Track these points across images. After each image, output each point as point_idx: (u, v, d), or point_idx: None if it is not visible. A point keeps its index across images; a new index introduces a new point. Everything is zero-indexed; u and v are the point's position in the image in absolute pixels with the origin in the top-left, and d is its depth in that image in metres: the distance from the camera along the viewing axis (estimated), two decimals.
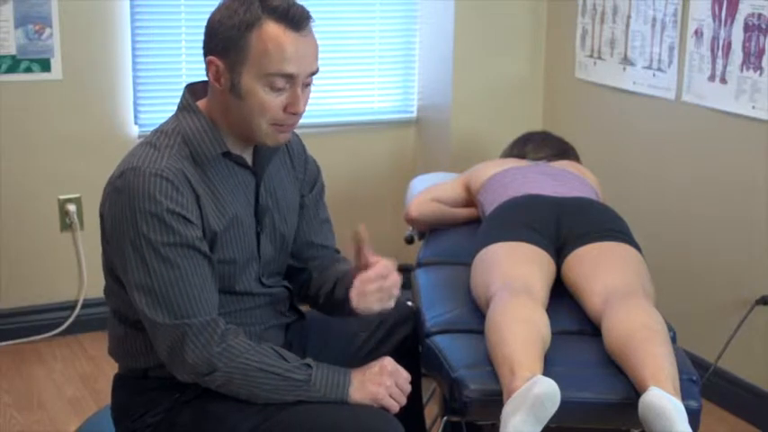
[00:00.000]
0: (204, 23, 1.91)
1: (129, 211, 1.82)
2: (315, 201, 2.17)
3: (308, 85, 1.90)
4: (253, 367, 1.85)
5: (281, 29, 1.82)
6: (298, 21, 1.84)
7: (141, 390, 1.98)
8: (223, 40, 1.84)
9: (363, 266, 1.99)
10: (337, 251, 2.24)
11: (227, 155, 1.92)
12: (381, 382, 1.92)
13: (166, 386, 1.96)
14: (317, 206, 2.18)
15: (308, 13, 1.87)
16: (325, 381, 1.89)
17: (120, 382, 2.06)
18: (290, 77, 1.85)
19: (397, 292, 2.02)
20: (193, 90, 1.96)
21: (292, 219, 2.10)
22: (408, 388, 1.98)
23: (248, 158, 1.98)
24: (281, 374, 1.87)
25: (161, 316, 1.83)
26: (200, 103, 1.94)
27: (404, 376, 1.97)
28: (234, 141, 1.94)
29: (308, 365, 1.90)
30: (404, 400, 1.96)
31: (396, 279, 2.01)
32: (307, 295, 2.19)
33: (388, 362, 1.96)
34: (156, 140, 1.90)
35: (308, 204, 2.15)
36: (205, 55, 1.89)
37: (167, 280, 1.82)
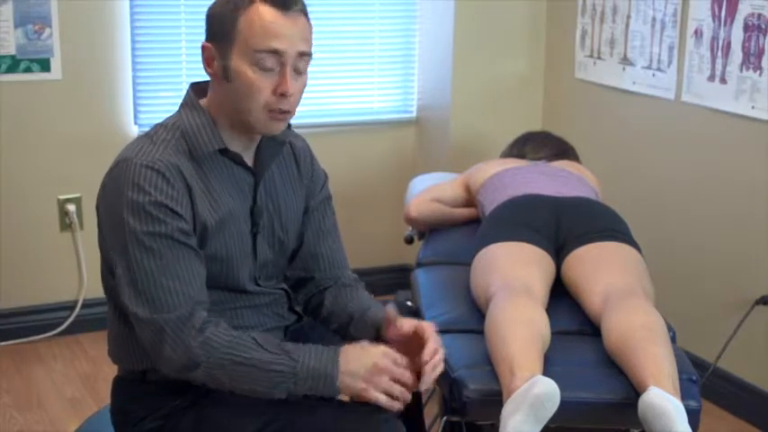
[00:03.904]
0: (204, 22, 1.93)
1: (117, 200, 1.83)
2: (320, 209, 2.14)
3: (300, 72, 1.90)
4: (231, 361, 1.82)
5: (268, 8, 1.85)
6: (286, 1, 1.86)
7: (140, 394, 1.98)
8: (214, 25, 1.88)
9: (393, 337, 1.96)
10: (346, 265, 2.19)
11: (224, 152, 1.93)
12: (373, 382, 1.84)
13: (166, 390, 1.95)
14: (322, 215, 2.15)
15: None
16: (313, 372, 1.82)
17: (119, 386, 2.05)
18: (276, 54, 1.85)
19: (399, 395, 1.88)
20: (197, 88, 1.98)
21: (293, 225, 2.08)
22: (408, 378, 1.87)
23: (249, 158, 1.98)
24: (261, 368, 1.82)
25: (141, 309, 1.82)
26: (203, 101, 1.95)
27: (401, 367, 1.86)
28: (234, 139, 1.94)
29: (294, 358, 1.83)
30: (408, 396, 1.88)
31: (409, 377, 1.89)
32: (315, 314, 2.15)
33: (381, 358, 1.85)
34: (153, 134, 1.92)
35: (313, 212, 2.13)
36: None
37: (148, 271, 1.81)
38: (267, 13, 1.85)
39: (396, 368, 1.87)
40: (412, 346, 1.94)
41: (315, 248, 2.14)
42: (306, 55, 1.89)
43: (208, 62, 1.90)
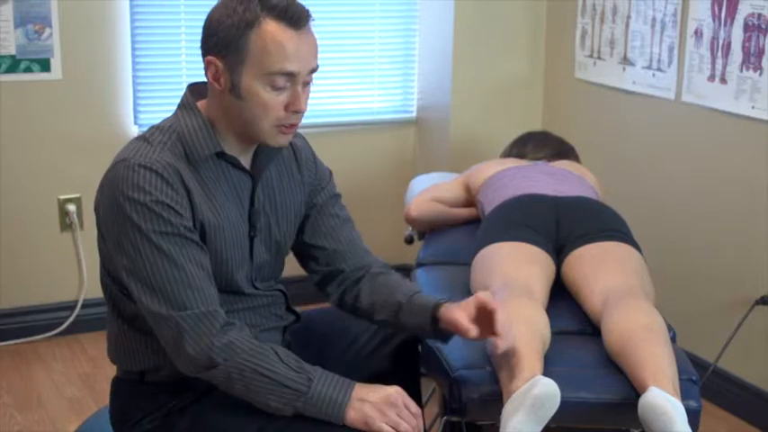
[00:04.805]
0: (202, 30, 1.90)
1: (118, 201, 1.82)
2: (330, 204, 2.14)
3: (308, 83, 1.89)
4: (250, 369, 1.81)
5: (281, 27, 1.82)
6: (297, 19, 1.83)
7: (139, 394, 1.97)
8: (222, 40, 1.83)
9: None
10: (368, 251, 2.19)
11: (221, 155, 1.92)
12: (381, 411, 1.82)
13: (164, 391, 1.95)
14: (334, 209, 2.14)
15: (307, 11, 1.86)
16: (324, 395, 1.82)
17: (117, 386, 2.05)
18: (290, 76, 1.84)
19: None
20: (195, 90, 1.96)
21: (290, 227, 2.08)
22: (415, 424, 1.85)
23: (246, 160, 1.97)
24: (278, 381, 1.82)
25: (157, 306, 1.81)
26: (200, 103, 1.94)
27: (412, 410, 1.86)
28: (231, 142, 1.93)
29: (310, 377, 1.83)
30: None
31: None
32: (354, 308, 2.13)
33: (396, 394, 1.85)
34: (150, 136, 1.91)
35: (323, 207, 2.12)
36: (203, 54, 1.88)
37: (161, 268, 1.81)
38: (279, 32, 1.81)
39: (405, 410, 1.84)
40: (483, 321, 2.00)
41: (335, 244, 2.13)
42: (315, 69, 1.89)
43: (214, 77, 1.86)
